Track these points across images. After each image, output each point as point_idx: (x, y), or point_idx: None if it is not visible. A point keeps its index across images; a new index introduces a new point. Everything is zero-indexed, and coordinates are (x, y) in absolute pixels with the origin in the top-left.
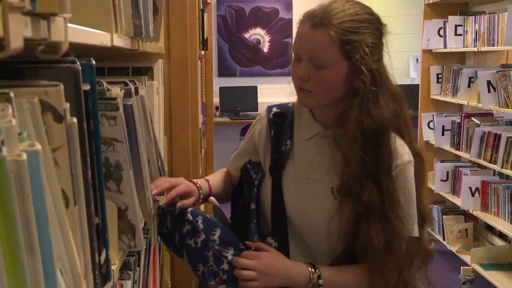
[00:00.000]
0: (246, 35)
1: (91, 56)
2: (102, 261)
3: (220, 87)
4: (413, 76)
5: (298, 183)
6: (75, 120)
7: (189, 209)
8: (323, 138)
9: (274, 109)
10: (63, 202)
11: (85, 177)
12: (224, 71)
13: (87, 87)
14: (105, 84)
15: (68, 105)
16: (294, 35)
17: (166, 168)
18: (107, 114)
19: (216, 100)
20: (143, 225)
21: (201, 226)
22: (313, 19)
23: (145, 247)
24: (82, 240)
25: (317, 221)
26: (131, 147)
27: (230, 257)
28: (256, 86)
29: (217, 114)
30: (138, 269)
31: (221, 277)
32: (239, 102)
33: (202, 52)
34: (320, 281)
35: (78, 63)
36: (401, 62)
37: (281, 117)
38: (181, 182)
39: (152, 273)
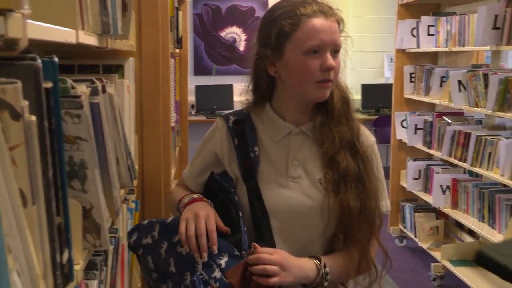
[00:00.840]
0: (223, 34)
1: (63, 53)
2: (64, 261)
3: (196, 86)
4: (388, 76)
5: (281, 184)
6: (33, 118)
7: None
8: (296, 135)
9: (232, 117)
10: (21, 201)
11: (45, 176)
12: (200, 70)
13: (49, 84)
14: (69, 81)
15: (26, 103)
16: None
17: (136, 167)
18: (71, 112)
19: (192, 98)
20: (110, 224)
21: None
22: (323, 10)
23: (113, 246)
24: (41, 240)
25: (310, 216)
26: (98, 145)
27: (223, 264)
28: (232, 85)
29: (193, 113)
30: (105, 268)
31: (212, 285)
32: (215, 100)
33: (177, 51)
34: (327, 269)
35: (39, 60)
36: (376, 62)
37: (241, 125)
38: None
39: (120, 272)
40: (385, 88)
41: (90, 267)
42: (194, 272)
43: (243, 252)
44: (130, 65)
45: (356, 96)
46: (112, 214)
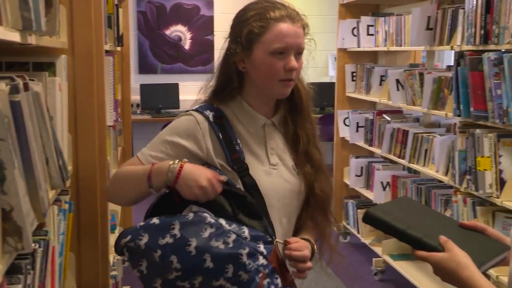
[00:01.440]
0: (167, 32)
1: None
2: None
3: (141, 84)
4: (332, 74)
5: (267, 172)
6: None
7: (203, 214)
8: (268, 126)
9: (210, 112)
10: None
11: None
12: (145, 68)
13: None
14: None
15: None
16: (214, 33)
17: (70, 167)
18: None
19: (137, 97)
20: (35, 226)
21: (227, 226)
22: (290, 16)
23: (42, 248)
24: None
25: (290, 198)
26: (20, 145)
27: (265, 251)
28: (178, 84)
29: (138, 112)
30: (32, 272)
31: (263, 272)
32: (161, 99)
33: (118, 48)
34: (315, 247)
35: None
36: (321, 60)
37: (221, 119)
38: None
39: (50, 276)
40: (330, 87)
41: (14, 271)
42: (239, 264)
43: (273, 238)
44: (62, 62)
45: None
46: (39, 216)
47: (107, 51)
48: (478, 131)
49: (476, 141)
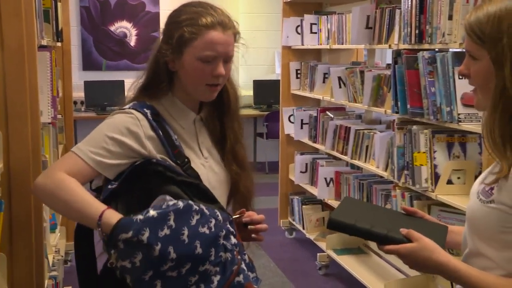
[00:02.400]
0: (112, 28)
1: None
2: None
3: (85, 81)
4: (278, 72)
5: (203, 164)
6: None
7: (189, 201)
8: (197, 122)
9: (147, 110)
10: None
11: None
12: (90, 65)
13: None
14: None
15: None
16: (159, 32)
17: (1, 165)
18: None
19: (81, 94)
20: None
21: (207, 212)
22: (222, 23)
23: None
24: None
25: (222, 192)
26: None
27: (233, 230)
28: (123, 81)
29: (82, 109)
30: None
31: (236, 250)
32: (106, 96)
33: (59, 44)
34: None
35: None
36: (267, 58)
37: (158, 116)
38: None
39: None
40: (276, 84)
41: None
42: (218, 246)
43: (233, 217)
44: None
45: (248, 92)
46: None
47: (44, 46)
48: (414, 127)
49: (413, 137)
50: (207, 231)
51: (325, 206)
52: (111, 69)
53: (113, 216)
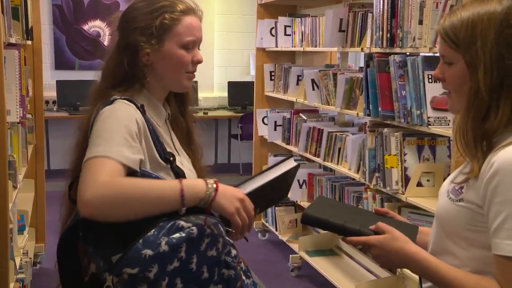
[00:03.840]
0: (85, 27)
1: None
2: None
3: (57, 81)
4: (253, 73)
5: (180, 161)
6: None
7: (200, 224)
8: (168, 120)
9: (136, 102)
10: None
11: None
12: (62, 64)
13: None
14: None
15: None
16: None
17: None
18: None
19: (53, 94)
20: None
21: (216, 230)
22: (193, 9)
23: None
24: None
25: None
26: None
27: (231, 241)
28: (97, 81)
29: (55, 109)
30: None
31: (236, 262)
32: (79, 96)
33: (29, 42)
34: None
35: None
36: (242, 60)
37: (144, 112)
38: None
39: None
40: (251, 86)
41: None
42: (220, 263)
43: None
44: None
45: (222, 93)
46: None
47: (13, 44)
48: (385, 130)
49: (384, 140)
50: (215, 253)
51: (298, 207)
52: (84, 68)
53: (195, 183)
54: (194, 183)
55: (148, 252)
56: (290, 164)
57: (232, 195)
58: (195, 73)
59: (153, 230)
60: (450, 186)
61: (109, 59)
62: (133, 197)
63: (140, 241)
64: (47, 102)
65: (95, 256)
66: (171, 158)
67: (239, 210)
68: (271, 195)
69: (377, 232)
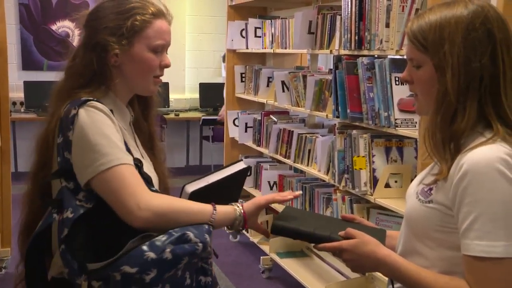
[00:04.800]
0: (54, 27)
1: None
2: None
3: (24, 81)
4: (225, 75)
5: (148, 168)
6: None
7: (205, 240)
8: (131, 123)
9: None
10: None
11: None
12: (30, 65)
13: None
14: None
15: None
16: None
17: None
18: None
19: (20, 95)
20: None
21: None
22: (164, 13)
23: None
24: None
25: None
26: None
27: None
28: (60, 80)
29: (22, 110)
30: None
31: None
32: (47, 97)
33: None
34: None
35: None
36: (214, 61)
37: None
38: None
39: None
40: (222, 87)
41: None
42: (198, 270)
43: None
44: None
45: (194, 95)
46: None
47: None
48: (354, 132)
49: (352, 142)
50: (196, 260)
51: (268, 209)
52: (53, 69)
53: (226, 211)
54: (226, 211)
55: (151, 255)
56: (240, 166)
57: (256, 211)
58: (161, 78)
59: (162, 235)
60: (419, 187)
61: (75, 58)
62: (180, 210)
63: (147, 243)
64: (14, 103)
65: (71, 260)
66: (139, 164)
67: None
68: (220, 195)
69: (347, 237)
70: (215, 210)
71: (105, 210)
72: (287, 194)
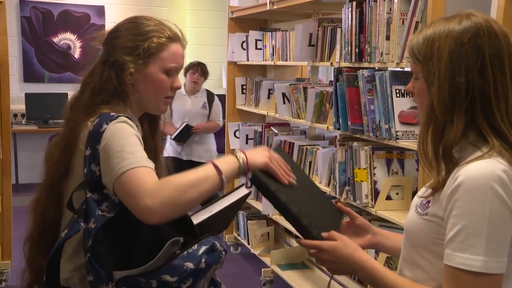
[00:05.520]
0: (55, 40)
1: None
2: None
3: (26, 93)
4: (226, 86)
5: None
6: None
7: (223, 247)
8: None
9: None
10: None
11: None
12: (31, 77)
13: None
14: None
15: None
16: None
17: None
18: None
19: (22, 107)
20: None
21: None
22: (179, 38)
23: None
24: None
25: None
26: None
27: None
28: (67, 93)
29: (23, 122)
30: None
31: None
32: (48, 109)
33: None
34: None
35: None
36: (214, 73)
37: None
38: None
39: None
40: (223, 99)
41: None
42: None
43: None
44: None
45: None
46: None
47: None
48: (355, 144)
49: (353, 154)
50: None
51: (270, 221)
52: (54, 81)
53: (226, 160)
54: (224, 159)
55: (190, 265)
56: (242, 192)
57: (258, 152)
58: (172, 97)
59: (196, 245)
60: (419, 200)
61: (92, 73)
62: (186, 188)
63: (185, 253)
64: (15, 115)
65: (99, 268)
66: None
67: (271, 159)
68: (221, 221)
69: (329, 239)
70: (220, 171)
71: (126, 218)
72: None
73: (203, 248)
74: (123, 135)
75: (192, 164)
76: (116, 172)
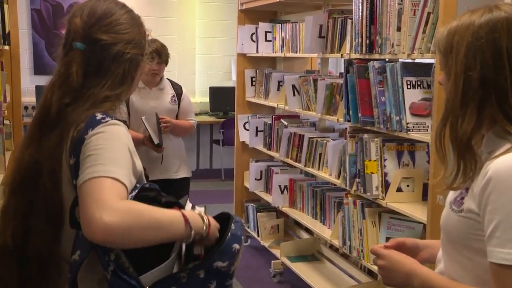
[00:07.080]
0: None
1: None
2: None
3: (36, 86)
4: (235, 79)
5: None
6: None
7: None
8: None
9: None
10: None
11: None
12: (42, 69)
13: None
14: None
15: None
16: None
17: None
18: None
19: (32, 99)
20: None
21: None
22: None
23: None
24: None
25: None
26: None
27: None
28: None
29: (34, 114)
30: None
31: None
32: None
33: (6, 47)
34: None
35: None
36: (224, 65)
37: None
38: None
39: None
40: (233, 91)
41: None
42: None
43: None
44: None
45: (204, 98)
46: None
47: None
48: (365, 136)
49: (364, 146)
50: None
51: (279, 213)
52: None
53: (192, 213)
54: (192, 213)
55: (237, 246)
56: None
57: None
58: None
59: (233, 224)
60: (453, 196)
61: (122, 70)
62: (148, 225)
63: (229, 234)
64: (26, 107)
65: (128, 279)
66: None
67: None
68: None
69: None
70: (190, 229)
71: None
72: None
73: (237, 225)
74: (111, 139)
75: (167, 184)
76: (90, 174)
